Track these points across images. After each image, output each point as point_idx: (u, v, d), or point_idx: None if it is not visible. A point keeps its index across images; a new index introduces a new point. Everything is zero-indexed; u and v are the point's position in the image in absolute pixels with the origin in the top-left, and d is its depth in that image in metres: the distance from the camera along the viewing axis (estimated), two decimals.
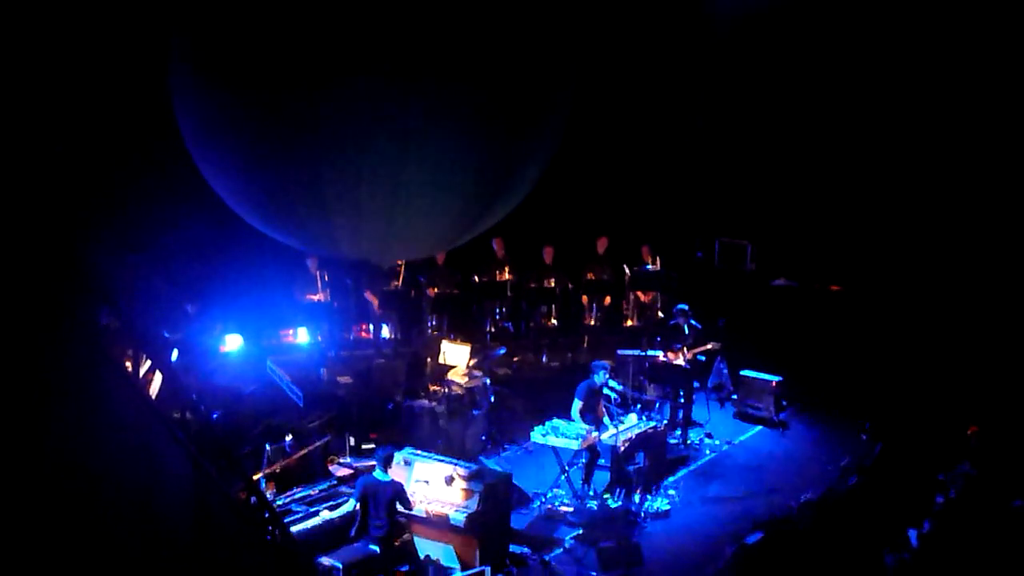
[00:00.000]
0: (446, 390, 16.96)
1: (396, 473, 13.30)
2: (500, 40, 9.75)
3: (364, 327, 19.72)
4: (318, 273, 19.61)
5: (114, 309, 10.35)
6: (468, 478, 13.44)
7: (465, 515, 13.16)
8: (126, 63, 15.74)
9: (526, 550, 13.96)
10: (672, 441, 17.87)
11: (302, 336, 18.45)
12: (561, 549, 14.23)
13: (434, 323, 21.66)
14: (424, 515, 13.36)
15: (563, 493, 15.62)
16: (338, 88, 9.21)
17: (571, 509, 15.31)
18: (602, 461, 15.82)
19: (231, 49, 9.52)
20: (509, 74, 9.77)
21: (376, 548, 12.60)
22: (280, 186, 10.05)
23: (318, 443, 14.54)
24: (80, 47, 15.16)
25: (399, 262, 19.67)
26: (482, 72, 9.60)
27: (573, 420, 15.78)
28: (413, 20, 9.30)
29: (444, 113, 9.54)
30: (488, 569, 13.17)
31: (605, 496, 15.55)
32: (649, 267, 22.76)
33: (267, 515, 11.16)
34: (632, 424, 15.95)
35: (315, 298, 19.58)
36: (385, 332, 20.36)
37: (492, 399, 17.52)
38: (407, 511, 13.02)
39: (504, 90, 9.77)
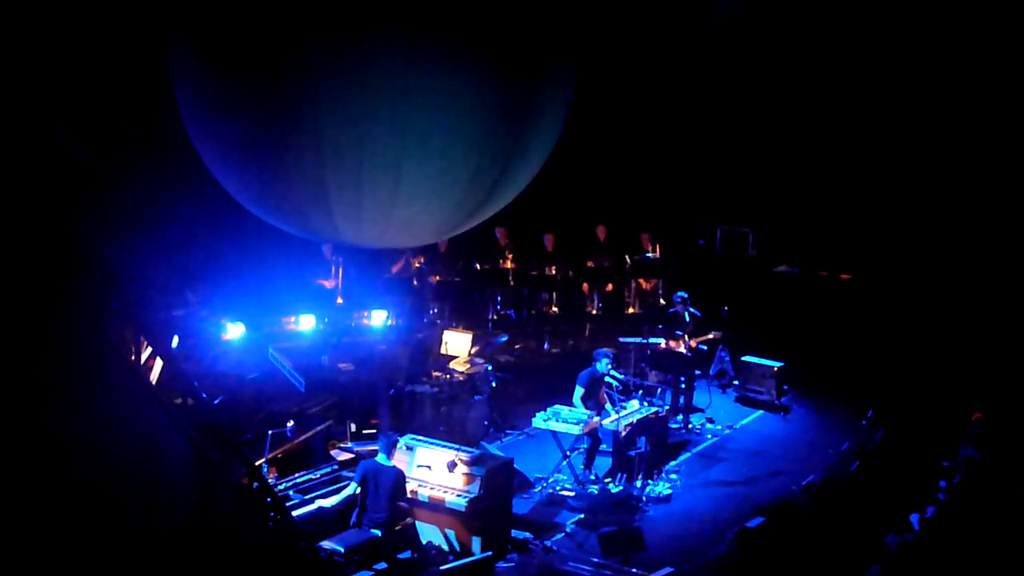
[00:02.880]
0: (448, 376, 17.00)
1: (398, 458, 13.33)
2: (504, 9, 9.74)
3: (366, 314, 19.72)
4: (333, 259, 19.66)
5: (117, 294, 10.36)
6: (470, 463, 13.44)
7: (467, 500, 13.17)
8: (126, 48, 15.74)
9: (528, 535, 13.96)
10: (673, 426, 17.92)
11: (304, 323, 18.46)
12: (563, 534, 14.23)
13: (436, 310, 21.70)
14: (426, 500, 13.38)
15: (564, 478, 15.65)
16: (338, 64, 9.20)
17: (572, 494, 15.33)
18: (604, 446, 15.85)
19: (229, 24, 9.51)
20: (513, 47, 9.76)
21: (377, 532, 12.62)
22: (279, 171, 10.04)
23: (319, 428, 14.57)
24: (80, 33, 15.15)
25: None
26: (486, 45, 9.58)
27: (575, 406, 15.81)
28: None
29: (447, 93, 9.52)
30: (490, 554, 13.22)
31: (606, 481, 15.58)
32: (649, 255, 22.81)
33: (269, 500, 11.18)
34: (634, 410, 15.97)
35: (327, 284, 19.63)
36: (388, 318, 20.38)
37: (493, 385, 17.55)
38: (402, 498, 13.03)
39: (508, 65, 9.76)
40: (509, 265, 22.43)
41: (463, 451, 13.73)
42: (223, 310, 17.51)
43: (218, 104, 9.98)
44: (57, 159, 10.62)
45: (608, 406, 15.90)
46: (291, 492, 13.13)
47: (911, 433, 16.50)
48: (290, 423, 14.14)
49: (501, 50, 9.68)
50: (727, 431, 18.45)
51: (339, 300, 19.45)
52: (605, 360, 16.05)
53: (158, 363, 11.42)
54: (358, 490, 12.80)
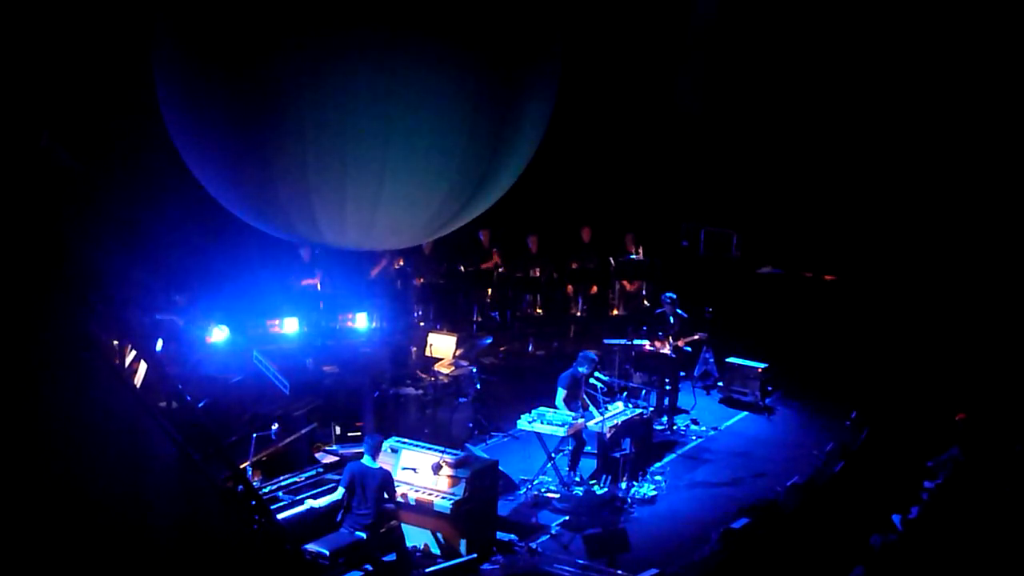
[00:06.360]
0: (432, 378, 17.00)
1: (383, 461, 13.30)
2: (487, 12, 9.75)
3: (350, 316, 19.71)
4: (312, 261, 19.67)
5: (102, 298, 10.35)
6: (455, 465, 13.45)
7: (452, 502, 13.18)
8: (111, 50, 15.72)
9: (512, 537, 13.97)
10: (658, 428, 17.94)
11: (288, 326, 18.42)
12: (547, 536, 14.26)
13: (420, 313, 21.70)
14: (411, 502, 13.37)
15: (549, 480, 15.64)
16: (322, 65, 9.20)
17: (557, 496, 15.34)
18: (588, 448, 15.86)
19: (212, 26, 9.51)
20: (496, 50, 9.76)
21: (363, 535, 12.60)
22: (263, 173, 10.03)
23: (304, 431, 14.52)
24: (64, 36, 15.13)
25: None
26: (469, 48, 9.59)
27: (558, 408, 15.82)
28: None
29: (430, 95, 9.53)
30: (475, 556, 13.22)
31: (591, 483, 15.58)
32: (633, 256, 22.84)
33: (253, 503, 11.16)
34: (618, 411, 15.99)
35: (311, 282, 19.63)
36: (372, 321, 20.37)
37: (478, 387, 17.56)
38: (391, 499, 13.03)
39: (491, 69, 9.77)
40: (493, 266, 22.45)
41: (448, 453, 13.73)
42: (208, 313, 17.47)
43: (201, 107, 9.98)
44: (42, 162, 10.60)
45: (593, 408, 15.92)
46: (280, 494, 13.09)
47: (895, 434, 16.52)
48: (275, 426, 14.10)
49: (484, 53, 9.69)
50: (712, 432, 18.49)
51: (321, 304, 19.44)
52: (588, 363, 16.05)
53: (143, 366, 11.40)
54: (344, 492, 12.79)
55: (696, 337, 19.10)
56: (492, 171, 10.55)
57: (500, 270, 22.56)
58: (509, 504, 15.08)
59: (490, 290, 22.69)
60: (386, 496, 12.88)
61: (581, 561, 13.36)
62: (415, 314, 21.67)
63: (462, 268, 22.40)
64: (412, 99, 9.49)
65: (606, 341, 19.84)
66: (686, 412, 19.12)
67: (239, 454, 13.21)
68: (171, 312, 16.88)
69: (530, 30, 10.23)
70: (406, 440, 14.23)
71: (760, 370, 19.64)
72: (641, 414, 16.35)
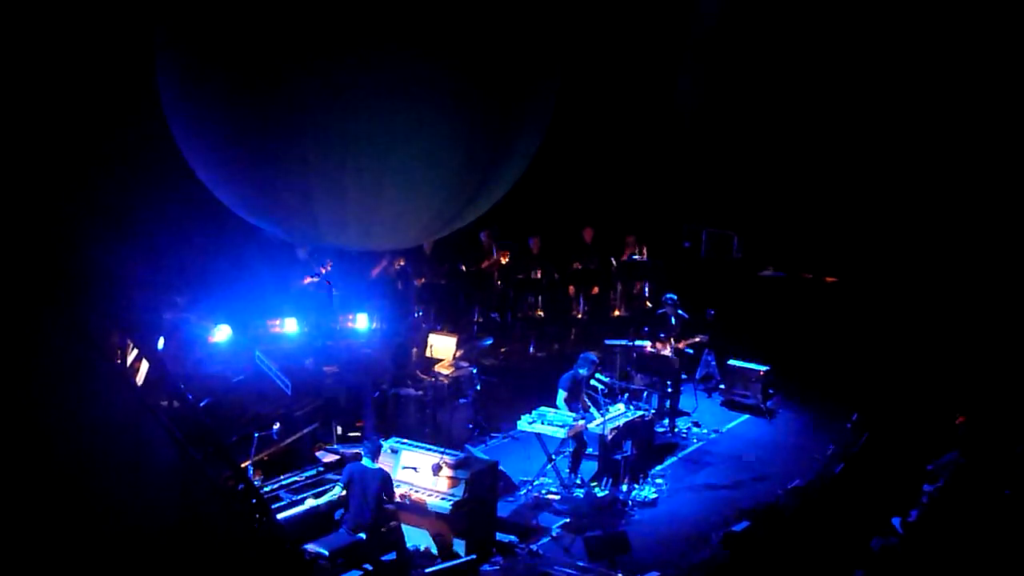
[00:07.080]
0: (433, 379, 16.98)
1: (383, 461, 13.30)
2: (486, 16, 9.74)
3: (350, 317, 19.70)
4: (311, 261, 19.64)
5: (103, 297, 10.36)
6: (455, 466, 13.44)
7: (451, 503, 13.16)
8: (110, 52, 15.70)
9: (513, 538, 13.96)
10: (659, 430, 17.91)
11: (289, 326, 18.41)
12: (548, 537, 14.25)
13: (421, 313, 21.67)
14: (411, 503, 13.36)
15: (550, 481, 15.64)
16: (322, 69, 9.19)
17: (558, 497, 15.33)
18: (589, 450, 15.83)
19: (214, 27, 9.50)
20: (496, 52, 9.75)
21: (362, 535, 12.60)
22: (263, 173, 10.02)
23: (305, 431, 14.53)
24: (63, 37, 15.12)
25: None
26: (469, 50, 9.58)
27: (559, 409, 15.80)
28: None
29: (431, 93, 9.52)
30: (475, 557, 13.21)
31: (592, 484, 15.57)
32: (635, 257, 22.82)
33: (254, 502, 11.17)
34: (619, 413, 15.98)
35: (315, 279, 19.61)
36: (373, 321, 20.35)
37: (479, 387, 17.54)
38: (390, 500, 13.01)
39: (491, 69, 9.76)
40: (492, 262, 22.42)
41: (448, 454, 13.72)
42: (209, 313, 17.46)
43: (204, 108, 9.97)
44: (41, 162, 10.60)
45: (594, 409, 15.90)
46: (280, 493, 13.09)
47: (896, 437, 16.53)
48: (276, 425, 14.11)
49: (484, 67, 9.69)
50: (713, 435, 18.48)
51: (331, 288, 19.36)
52: (588, 365, 16.05)
53: (144, 365, 11.39)
54: (343, 492, 12.80)
55: (697, 339, 19.09)
56: (492, 175, 10.56)
57: (504, 261, 22.51)
58: (509, 505, 15.07)
59: (499, 283, 22.62)
60: (386, 497, 12.87)
61: (581, 563, 13.34)
62: (416, 314, 21.64)
63: (463, 268, 22.37)
64: (413, 106, 9.50)
65: (607, 342, 19.81)
66: (687, 414, 19.10)
67: (240, 453, 13.21)
68: (176, 312, 16.87)
69: (531, 58, 10.24)
70: (406, 440, 14.22)
71: (762, 373, 19.61)
72: (642, 416, 16.34)
